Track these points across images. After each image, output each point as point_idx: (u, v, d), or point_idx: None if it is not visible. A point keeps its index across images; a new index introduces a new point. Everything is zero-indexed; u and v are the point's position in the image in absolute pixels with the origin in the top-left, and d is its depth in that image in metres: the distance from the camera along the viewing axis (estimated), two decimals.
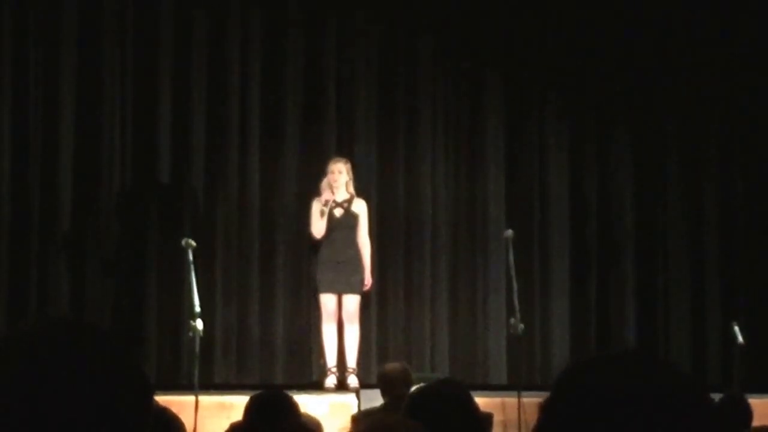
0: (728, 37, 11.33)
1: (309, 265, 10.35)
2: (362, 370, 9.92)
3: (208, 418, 8.01)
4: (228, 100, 10.54)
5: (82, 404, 1.35)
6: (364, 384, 9.55)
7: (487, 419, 5.75)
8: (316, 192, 9.93)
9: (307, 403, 7.68)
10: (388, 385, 7.05)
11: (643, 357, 1.43)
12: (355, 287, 9.80)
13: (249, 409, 5.13)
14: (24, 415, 1.34)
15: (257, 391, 5.38)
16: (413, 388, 4.74)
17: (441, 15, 11.02)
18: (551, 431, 1.40)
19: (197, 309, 8.14)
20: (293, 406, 5.08)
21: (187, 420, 4.96)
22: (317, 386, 9.77)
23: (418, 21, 11.00)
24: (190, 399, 7.97)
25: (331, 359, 9.80)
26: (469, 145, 11.12)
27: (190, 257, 8.44)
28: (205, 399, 8.31)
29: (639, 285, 11.25)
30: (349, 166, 9.93)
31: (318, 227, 9.80)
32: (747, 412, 5.89)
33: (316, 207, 9.83)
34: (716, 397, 5.95)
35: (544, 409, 1.41)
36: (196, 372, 8.23)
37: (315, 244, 9.97)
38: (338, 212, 9.79)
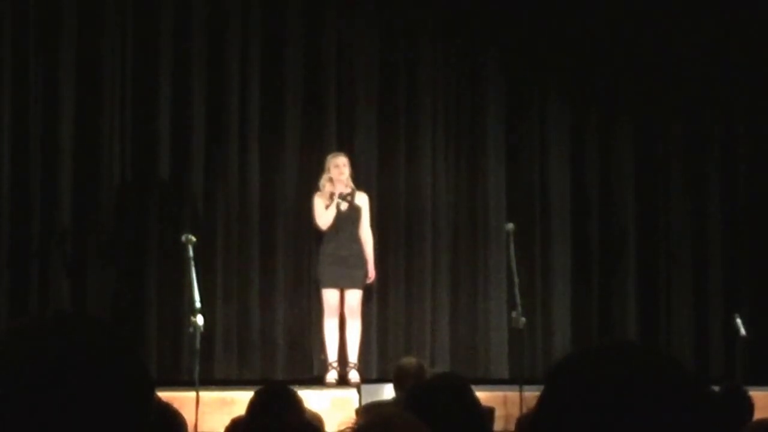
0: (731, 28, 11.31)
1: (310, 260, 10.35)
2: (363, 365, 9.92)
3: (209, 413, 8.01)
4: (228, 96, 10.53)
5: (83, 398, 1.35)
6: (365, 379, 9.55)
7: (488, 413, 5.74)
8: (316, 187, 9.92)
9: (308, 398, 7.66)
10: (400, 379, 7.05)
11: (637, 348, 1.43)
12: (357, 282, 9.80)
13: (253, 404, 5.12)
14: (25, 408, 1.34)
15: (258, 387, 5.37)
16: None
17: (441, 9, 11.01)
18: (547, 423, 1.39)
19: (198, 305, 8.13)
20: (298, 402, 5.07)
21: (188, 416, 4.95)
22: (318, 381, 9.78)
23: (418, 15, 10.99)
24: (190, 395, 7.98)
25: (332, 354, 9.80)
26: (469, 138, 11.11)
27: (191, 253, 8.43)
28: (206, 395, 8.32)
29: (641, 277, 11.24)
30: (348, 160, 9.93)
31: (324, 219, 9.78)
32: (748, 405, 5.87)
33: (320, 201, 9.82)
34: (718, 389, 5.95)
35: (539, 401, 1.40)
36: (197, 368, 8.23)
37: (318, 239, 9.96)
38: (343, 206, 9.79)
